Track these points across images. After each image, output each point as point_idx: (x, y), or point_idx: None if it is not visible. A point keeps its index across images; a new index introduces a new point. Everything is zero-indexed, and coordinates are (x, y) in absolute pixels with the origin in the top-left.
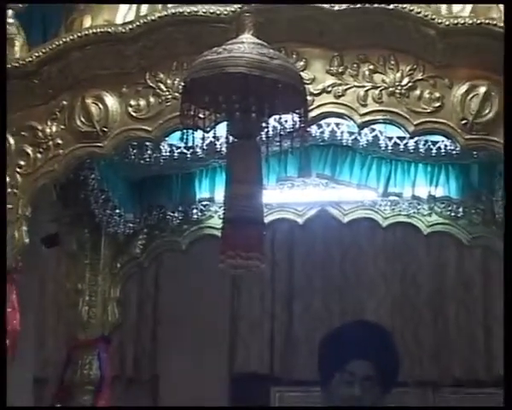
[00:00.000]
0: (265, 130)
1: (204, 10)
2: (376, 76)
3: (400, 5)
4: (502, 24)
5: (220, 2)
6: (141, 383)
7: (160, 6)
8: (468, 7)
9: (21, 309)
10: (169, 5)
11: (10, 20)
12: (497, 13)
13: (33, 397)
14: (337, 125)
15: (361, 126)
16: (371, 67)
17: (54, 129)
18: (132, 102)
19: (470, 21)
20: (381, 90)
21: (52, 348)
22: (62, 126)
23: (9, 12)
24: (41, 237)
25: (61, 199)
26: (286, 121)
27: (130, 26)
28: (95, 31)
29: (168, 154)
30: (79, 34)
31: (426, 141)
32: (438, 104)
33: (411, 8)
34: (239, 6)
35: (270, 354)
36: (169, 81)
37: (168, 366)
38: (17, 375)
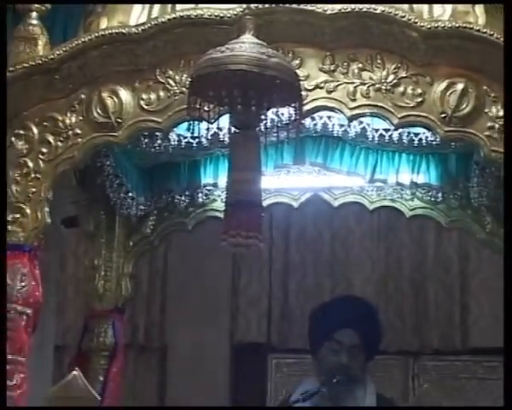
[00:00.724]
0: (264, 122)
1: (209, 13)
2: (364, 73)
3: (386, 10)
4: (478, 27)
5: (224, 2)
6: (151, 350)
7: (169, 9)
8: (448, 11)
9: (44, 283)
10: (177, 8)
11: (34, 22)
12: (473, 17)
13: (54, 363)
14: (329, 117)
15: (350, 119)
16: (360, 65)
17: (73, 120)
18: (144, 96)
19: (449, 25)
20: (368, 87)
21: (71, 317)
22: (81, 117)
23: (33, 14)
24: (62, 219)
25: (80, 184)
26: (282, 114)
27: (142, 28)
28: (110, 32)
29: (176, 143)
30: (96, 35)
31: (409, 132)
32: (420, 99)
33: (396, 12)
34: (241, 9)
35: (267, 325)
36: (177, 77)
37: (176, 335)
38: (39, 342)
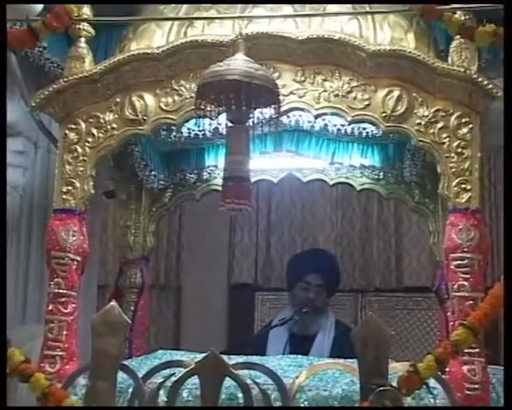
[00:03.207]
0: (252, 118)
1: (211, 38)
2: (326, 83)
3: (342, 36)
4: (409, 50)
5: (223, 2)
6: (169, 289)
7: (182, 35)
8: (388, 38)
9: (90, 238)
10: (188, 34)
11: (82, 45)
12: (406, 43)
13: (97, 298)
14: (300, 116)
15: (316, 117)
16: (323, 77)
17: (111, 117)
18: (163, 100)
19: (389, 48)
20: (329, 93)
21: (110, 263)
22: (116, 116)
23: (82, 39)
24: (103, 192)
25: (115, 165)
26: (266, 113)
27: (162, 49)
28: (138, 52)
29: (187, 134)
30: (128, 54)
31: (359, 127)
32: (367, 103)
33: (350, 38)
34: (235, 35)
35: (255, 270)
36: (187, 85)
37: (188, 277)
38: (86, 283)
